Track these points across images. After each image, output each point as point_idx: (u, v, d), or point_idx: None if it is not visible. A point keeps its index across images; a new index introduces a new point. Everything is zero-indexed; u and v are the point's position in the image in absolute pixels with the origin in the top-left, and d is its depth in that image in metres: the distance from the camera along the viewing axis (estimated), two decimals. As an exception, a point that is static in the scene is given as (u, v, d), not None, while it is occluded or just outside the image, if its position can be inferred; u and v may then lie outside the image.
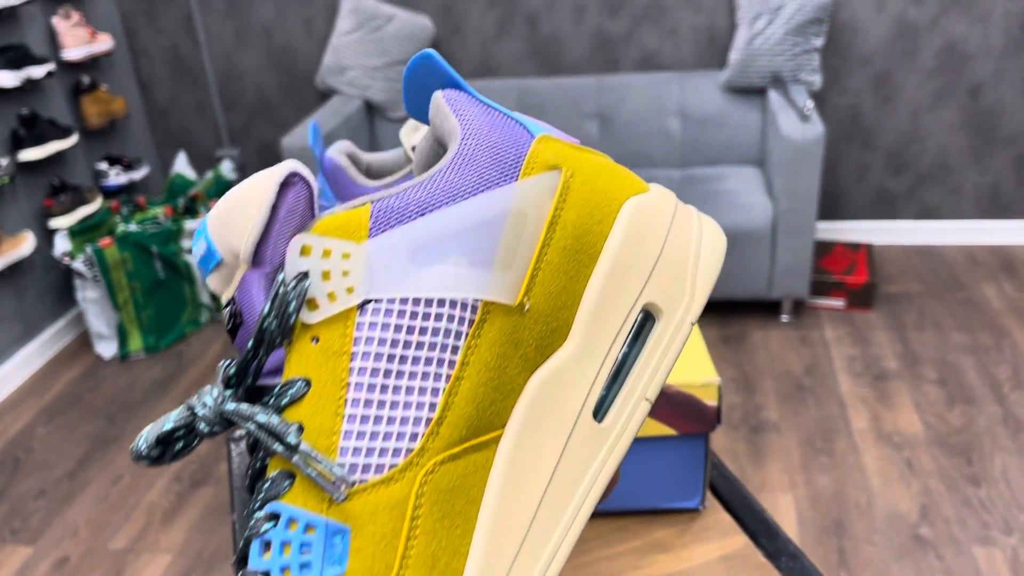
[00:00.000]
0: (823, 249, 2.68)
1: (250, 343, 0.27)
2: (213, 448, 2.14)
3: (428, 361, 0.27)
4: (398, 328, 0.27)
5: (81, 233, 2.55)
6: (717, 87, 2.68)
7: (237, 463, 0.59)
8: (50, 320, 2.68)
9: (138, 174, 2.94)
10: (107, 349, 2.61)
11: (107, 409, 2.36)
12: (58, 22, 2.64)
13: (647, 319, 0.32)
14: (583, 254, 0.30)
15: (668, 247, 0.32)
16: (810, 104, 2.35)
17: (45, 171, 2.65)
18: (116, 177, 2.87)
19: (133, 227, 2.58)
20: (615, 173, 0.33)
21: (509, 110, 0.33)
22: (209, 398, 0.27)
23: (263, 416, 0.26)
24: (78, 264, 2.48)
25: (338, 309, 0.27)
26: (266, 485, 0.27)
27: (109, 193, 2.92)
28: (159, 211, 2.69)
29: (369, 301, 0.27)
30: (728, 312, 2.59)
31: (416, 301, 0.28)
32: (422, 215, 0.28)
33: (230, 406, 0.27)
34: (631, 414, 0.31)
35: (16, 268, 2.53)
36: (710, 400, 0.51)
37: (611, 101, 2.73)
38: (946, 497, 1.79)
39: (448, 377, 0.28)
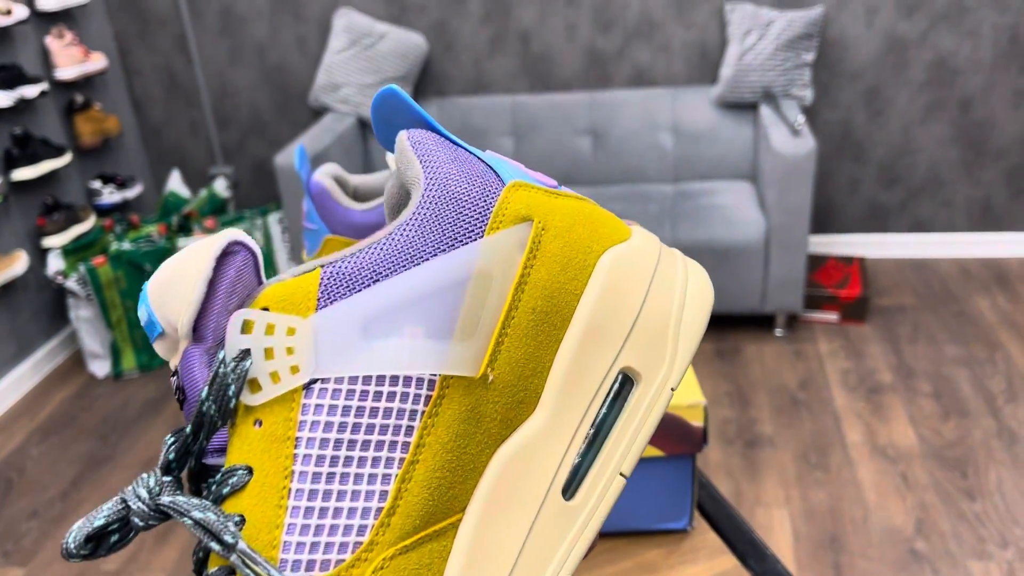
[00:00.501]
0: (816, 263, 2.69)
1: (188, 428, 0.26)
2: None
3: (379, 445, 0.25)
4: (346, 410, 0.25)
5: (74, 252, 2.55)
6: (709, 102, 2.69)
7: None
8: (43, 339, 2.68)
9: (132, 192, 2.94)
10: (100, 368, 2.60)
11: (100, 429, 2.35)
12: (51, 41, 2.65)
13: (626, 381, 0.29)
14: (554, 316, 0.28)
15: (648, 304, 0.29)
16: (801, 119, 2.36)
17: (38, 190, 2.65)
18: (110, 195, 2.87)
19: (127, 245, 2.57)
20: (593, 220, 0.30)
21: (479, 151, 0.30)
22: (144, 490, 0.25)
23: (199, 512, 0.24)
24: (71, 283, 2.47)
25: (282, 390, 0.25)
26: None
27: (102, 212, 2.92)
28: (153, 229, 2.69)
29: (316, 381, 0.25)
30: (722, 326, 2.59)
31: (367, 380, 0.25)
32: (376, 281, 0.26)
33: (166, 498, 0.25)
34: (604, 490, 0.28)
35: (9, 287, 2.52)
36: (696, 421, 0.51)
37: (603, 117, 2.74)
38: (941, 511, 1.79)
39: (401, 462, 0.26)
